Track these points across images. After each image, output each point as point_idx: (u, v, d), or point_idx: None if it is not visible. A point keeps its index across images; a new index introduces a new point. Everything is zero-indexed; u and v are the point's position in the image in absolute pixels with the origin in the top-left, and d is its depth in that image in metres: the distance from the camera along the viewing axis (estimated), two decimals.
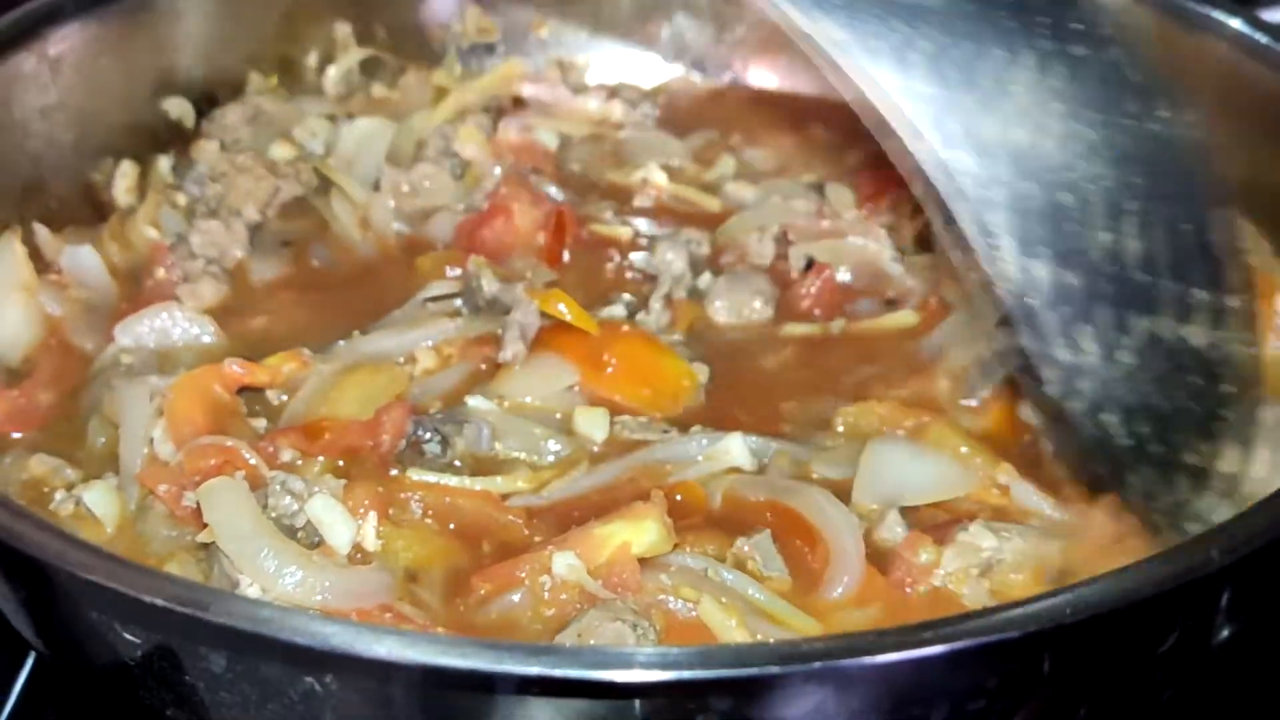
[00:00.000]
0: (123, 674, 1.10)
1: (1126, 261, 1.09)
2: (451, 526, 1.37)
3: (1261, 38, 1.73)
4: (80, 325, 1.65)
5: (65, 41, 1.77)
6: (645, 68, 2.17)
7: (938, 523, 1.37)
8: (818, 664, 0.92)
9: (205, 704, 1.08)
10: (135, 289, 1.71)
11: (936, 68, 1.10)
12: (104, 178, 1.84)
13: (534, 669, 0.91)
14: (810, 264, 1.74)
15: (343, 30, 2.07)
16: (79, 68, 1.79)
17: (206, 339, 1.61)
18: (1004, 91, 1.11)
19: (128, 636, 1.07)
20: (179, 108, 1.94)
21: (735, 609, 1.23)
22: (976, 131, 1.09)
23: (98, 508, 1.36)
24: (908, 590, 1.30)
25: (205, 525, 1.27)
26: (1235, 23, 1.75)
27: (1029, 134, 1.10)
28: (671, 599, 1.25)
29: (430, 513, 1.37)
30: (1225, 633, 1.21)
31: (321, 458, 1.41)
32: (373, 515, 1.31)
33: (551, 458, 1.46)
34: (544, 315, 1.59)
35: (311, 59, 2.06)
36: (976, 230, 1.09)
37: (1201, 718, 1.40)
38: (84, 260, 1.72)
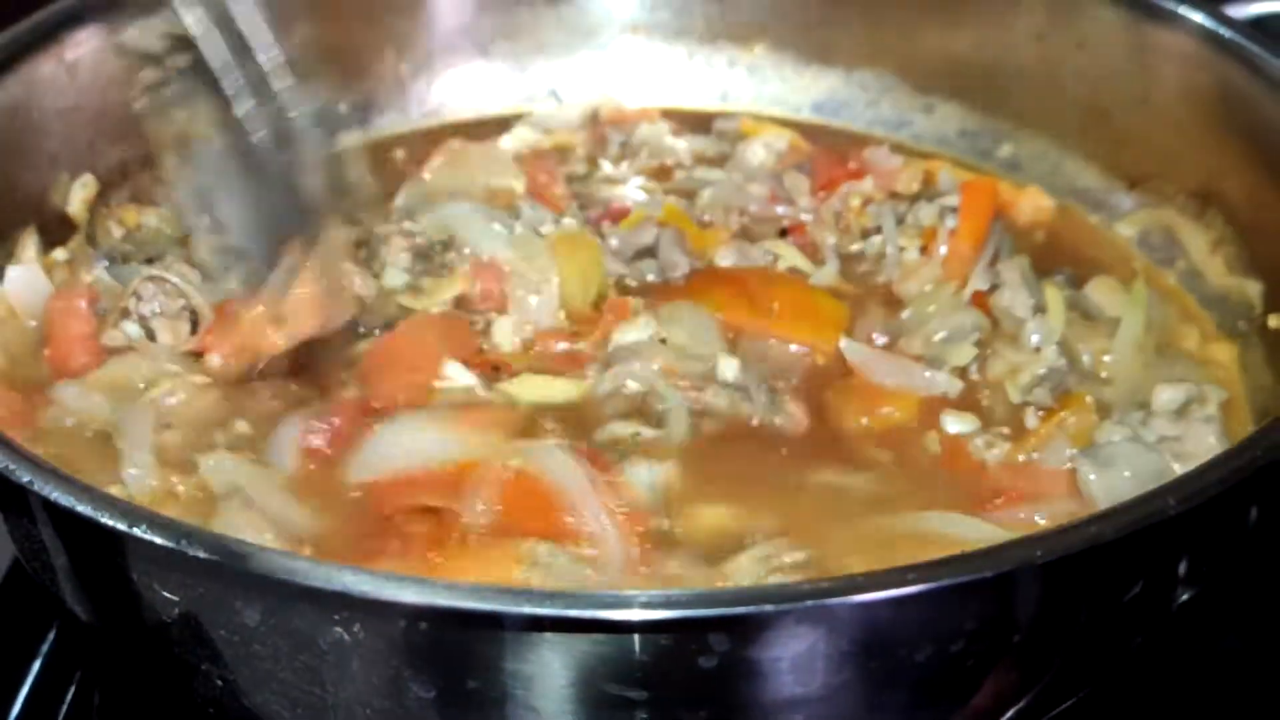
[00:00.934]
0: (160, 632, 1.18)
1: None
2: None
3: (1226, 32, 1.77)
4: (30, 357, 1.61)
5: (81, 46, 1.82)
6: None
7: None
8: (809, 602, 1.00)
9: (238, 658, 1.16)
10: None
11: None
12: (63, 191, 1.81)
13: (547, 610, 1.00)
14: (784, 231, 1.87)
15: None
16: (96, 71, 1.83)
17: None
18: None
19: (165, 595, 1.14)
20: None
21: None
22: None
23: None
24: None
25: None
26: (1198, 17, 1.80)
27: None
28: None
29: None
30: (1189, 589, 1.29)
31: None
32: None
33: None
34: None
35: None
36: None
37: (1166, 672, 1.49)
38: (34, 284, 1.66)
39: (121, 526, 1.06)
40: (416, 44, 2.18)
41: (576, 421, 1.53)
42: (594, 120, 2.15)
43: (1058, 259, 1.84)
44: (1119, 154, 1.96)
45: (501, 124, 2.14)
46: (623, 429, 1.51)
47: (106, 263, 1.75)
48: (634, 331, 1.61)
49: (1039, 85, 2.03)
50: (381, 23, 2.15)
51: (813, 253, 1.84)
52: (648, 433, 1.50)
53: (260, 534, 1.34)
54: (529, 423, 1.50)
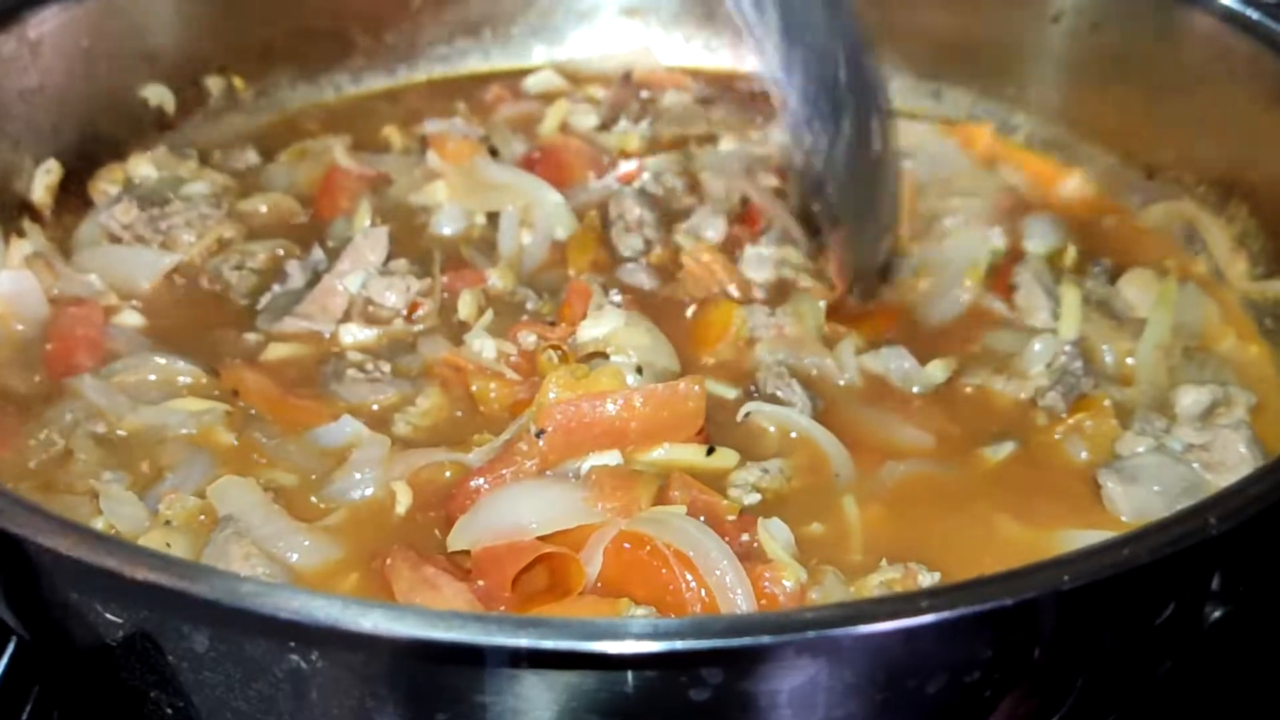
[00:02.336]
0: (104, 656, 1.09)
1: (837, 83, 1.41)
2: None
3: (1253, 13, 1.71)
4: (14, 362, 1.55)
5: (45, 24, 1.75)
6: None
7: None
8: (812, 633, 0.90)
9: (189, 685, 1.07)
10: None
11: None
12: (26, 177, 1.76)
13: (523, 641, 0.90)
14: (745, 203, 1.82)
15: None
16: (59, 50, 1.77)
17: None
18: None
19: (109, 616, 1.05)
20: (159, 95, 1.92)
21: None
22: None
23: None
24: None
25: None
26: None
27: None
28: None
29: None
30: (1222, 606, 1.20)
31: None
32: None
33: None
34: None
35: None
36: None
37: (1196, 694, 1.40)
38: (24, 287, 1.61)
39: (51, 545, 0.96)
40: (400, 27, 2.12)
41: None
42: (626, 78, 2.11)
43: (1101, 248, 1.76)
44: (1136, 141, 1.88)
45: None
46: (749, 475, 1.39)
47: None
48: None
49: (1052, 69, 1.96)
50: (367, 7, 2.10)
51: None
52: (772, 466, 1.40)
53: (251, 565, 1.23)
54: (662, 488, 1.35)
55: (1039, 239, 1.75)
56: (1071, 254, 1.74)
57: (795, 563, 1.26)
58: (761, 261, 1.71)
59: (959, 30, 2.03)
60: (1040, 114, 1.98)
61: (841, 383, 1.54)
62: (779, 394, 1.50)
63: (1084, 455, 1.45)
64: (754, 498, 1.37)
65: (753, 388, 1.52)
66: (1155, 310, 1.61)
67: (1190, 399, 1.48)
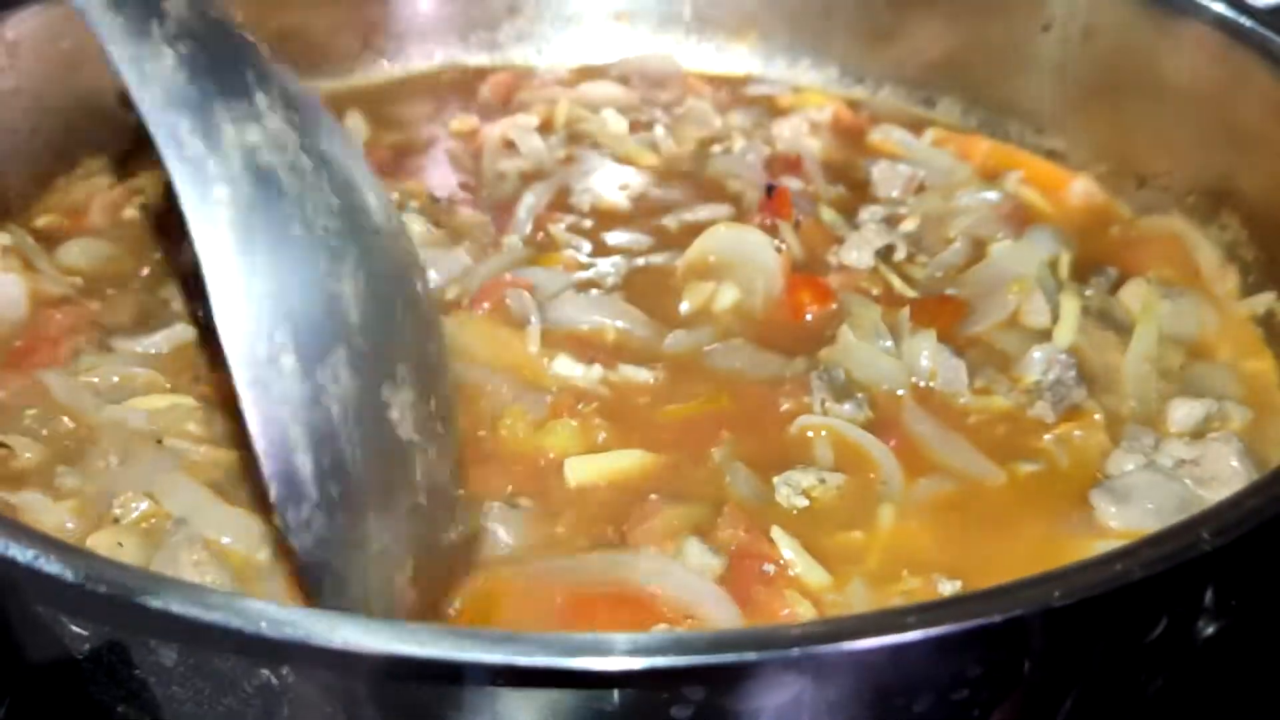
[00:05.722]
0: (70, 670, 1.06)
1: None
2: None
3: (1246, 22, 1.69)
4: None
5: (23, 25, 1.73)
6: None
7: None
8: (796, 650, 0.87)
9: (157, 699, 1.04)
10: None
11: None
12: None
13: (500, 657, 0.87)
14: (771, 189, 1.80)
15: None
16: (38, 52, 1.74)
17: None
18: None
19: (75, 629, 1.02)
20: None
21: None
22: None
23: None
24: None
25: None
26: (1218, 6, 1.72)
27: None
28: None
29: None
30: (1215, 623, 1.18)
31: None
32: None
33: None
34: None
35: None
36: None
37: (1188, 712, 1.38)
38: (8, 291, 1.58)
39: (9, 554, 0.93)
40: (389, 31, 2.11)
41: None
42: (642, 77, 2.11)
43: (1106, 257, 1.73)
44: (1128, 149, 1.86)
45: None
46: (805, 478, 1.35)
47: None
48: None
49: (1044, 78, 1.95)
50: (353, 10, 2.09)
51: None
52: (831, 478, 1.36)
53: (201, 572, 1.19)
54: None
55: (1042, 246, 1.71)
56: (1073, 262, 1.70)
57: (817, 565, 1.24)
58: (862, 245, 1.70)
59: (950, 38, 2.02)
60: (1031, 122, 1.97)
61: (900, 391, 1.49)
62: (828, 405, 1.45)
63: (1065, 466, 1.42)
64: (801, 501, 1.34)
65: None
66: (1141, 320, 1.58)
67: (1182, 412, 1.45)
